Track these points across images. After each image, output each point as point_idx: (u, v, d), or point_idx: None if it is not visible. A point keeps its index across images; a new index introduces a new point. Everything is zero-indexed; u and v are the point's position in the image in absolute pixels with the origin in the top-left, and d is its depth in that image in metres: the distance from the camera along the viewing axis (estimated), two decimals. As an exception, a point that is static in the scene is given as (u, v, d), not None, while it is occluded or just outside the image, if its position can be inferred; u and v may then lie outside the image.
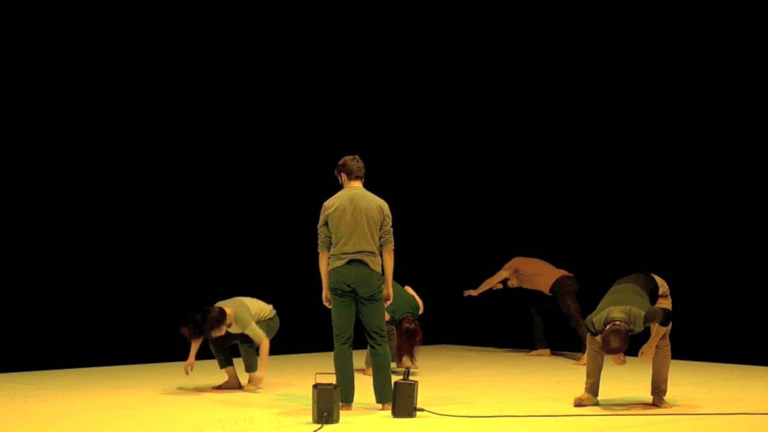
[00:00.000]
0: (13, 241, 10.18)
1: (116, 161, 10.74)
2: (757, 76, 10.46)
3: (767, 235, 10.43)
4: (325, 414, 6.82)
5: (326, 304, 7.57)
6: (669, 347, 7.70)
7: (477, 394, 8.34)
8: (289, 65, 11.84)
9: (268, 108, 11.72)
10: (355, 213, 7.39)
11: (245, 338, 8.69)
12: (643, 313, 7.33)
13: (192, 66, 11.18)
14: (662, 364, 7.67)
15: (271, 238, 11.62)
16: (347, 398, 7.41)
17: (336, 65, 12.16)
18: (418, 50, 12.69)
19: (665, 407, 7.60)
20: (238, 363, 8.76)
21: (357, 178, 7.56)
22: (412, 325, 9.52)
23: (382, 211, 7.47)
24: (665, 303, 7.79)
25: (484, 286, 11.31)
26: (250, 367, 8.68)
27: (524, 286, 11.25)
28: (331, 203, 7.49)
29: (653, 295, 7.73)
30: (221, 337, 8.63)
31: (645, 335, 7.62)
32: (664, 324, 7.47)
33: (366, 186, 7.59)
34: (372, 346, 7.52)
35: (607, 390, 8.01)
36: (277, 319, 8.98)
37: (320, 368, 8.25)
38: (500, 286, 11.40)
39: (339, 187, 7.62)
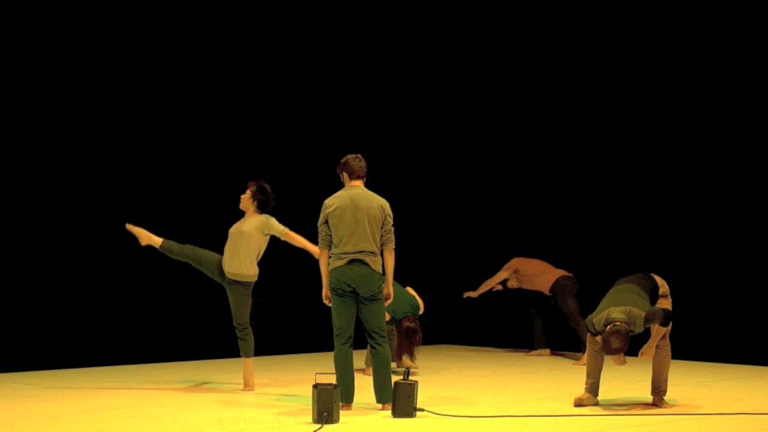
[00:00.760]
0: (13, 241, 10.18)
1: (116, 161, 10.74)
2: (757, 76, 10.46)
3: (767, 235, 10.43)
4: (325, 414, 6.82)
5: (326, 302, 7.57)
6: (669, 347, 7.70)
7: (477, 394, 8.34)
8: (289, 65, 11.85)
9: (269, 107, 11.73)
10: (356, 213, 7.39)
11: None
12: (644, 314, 7.33)
13: (192, 66, 11.19)
14: (662, 364, 7.67)
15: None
16: (347, 398, 7.41)
17: (337, 65, 12.17)
18: (419, 50, 12.70)
19: (665, 407, 7.60)
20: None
21: (358, 177, 7.55)
22: (413, 325, 9.52)
23: (383, 210, 7.47)
24: (665, 303, 7.79)
25: (484, 287, 11.31)
26: (246, 353, 8.61)
27: (524, 286, 11.26)
28: (332, 202, 7.48)
29: (653, 295, 7.73)
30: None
31: (645, 335, 7.62)
32: (664, 324, 7.47)
33: (368, 186, 7.58)
34: (372, 346, 7.51)
35: (607, 390, 8.02)
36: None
37: (320, 368, 8.25)
38: (500, 287, 11.41)
39: (339, 185, 7.62)
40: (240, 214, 8.79)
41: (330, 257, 7.48)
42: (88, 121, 10.59)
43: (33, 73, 10.27)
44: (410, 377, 7.23)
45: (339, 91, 12.19)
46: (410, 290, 9.84)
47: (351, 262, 7.38)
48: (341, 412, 7.03)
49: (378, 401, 7.49)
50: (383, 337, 7.49)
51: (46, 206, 10.34)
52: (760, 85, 10.45)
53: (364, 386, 7.86)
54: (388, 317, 9.15)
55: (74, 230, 10.48)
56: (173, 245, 8.76)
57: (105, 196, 10.67)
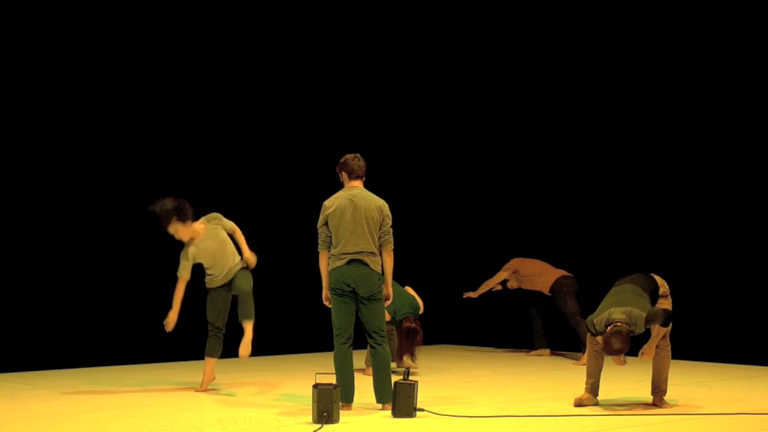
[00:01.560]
0: (13, 241, 10.18)
1: (116, 161, 10.74)
2: (757, 76, 10.46)
3: (767, 235, 10.43)
4: (325, 414, 6.82)
5: (326, 303, 7.58)
6: (669, 347, 7.70)
7: (477, 394, 8.34)
8: (289, 65, 11.84)
9: (268, 107, 11.72)
10: (355, 213, 7.39)
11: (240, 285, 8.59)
12: (644, 314, 7.33)
13: (192, 66, 11.19)
14: (662, 364, 7.67)
15: (271, 237, 11.62)
16: (347, 398, 7.41)
17: (336, 65, 12.17)
18: (419, 50, 12.69)
19: (665, 407, 7.60)
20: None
21: (357, 177, 7.55)
22: (413, 325, 9.53)
23: (382, 211, 7.47)
24: (665, 303, 7.79)
25: (484, 288, 11.31)
26: (246, 315, 8.59)
27: (524, 287, 11.25)
28: (331, 203, 7.48)
29: (654, 295, 7.72)
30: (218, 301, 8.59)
31: (645, 335, 7.62)
32: (664, 325, 7.47)
33: (367, 186, 7.58)
34: (372, 346, 7.51)
35: (607, 390, 8.02)
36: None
37: (320, 368, 8.25)
38: (500, 287, 11.41)
39: (339, 186, 7.62)
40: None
41: (330, 258, 7.49)
42: (87, 121, 10.59)
43: (33, 73, 10.27)
44: (410, 377, 7.23)
45: (339, 91, 12.19)
46: (410, 290, 9.84)
47: (350, 262, 7.38)
48: (341, 412, 7.03)
49: (378, 401, 7.49)
50: (383, 337, 7.49)
51: (46, 206, 10.33)
52: (760, 85, 10.44)
53: (364, 386, 7.85)
54: (388, 317, 9.15)
55: (74, 230, 10.48)
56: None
57: (105, 197, 10.66)
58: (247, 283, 8.59)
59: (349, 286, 7.39)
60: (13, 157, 10.21)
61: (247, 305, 8.61)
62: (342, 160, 7.59)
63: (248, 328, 8.59)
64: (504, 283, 11.37)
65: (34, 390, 8.68)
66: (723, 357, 10.37)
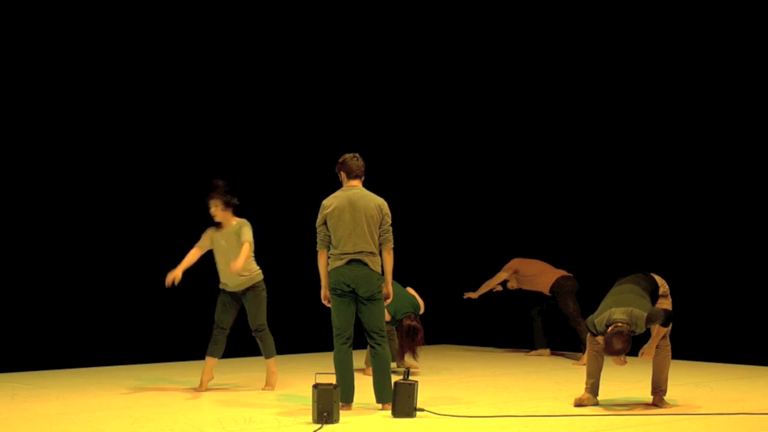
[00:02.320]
0: (13, 241, 10.18)
1: (116, 161, 10.74)
2: (757, 76, 10.46)
3: (767, 235, 10.43)
4: (325, 414, 6.82)
5: (325, 302, 7.57)
6: (669, 347, 7.70)
7: (477, 394, 8.34)
8: (289, 65, 11.84)
9: (268, 107, 11.72)
10: (354, 213, 7.38)
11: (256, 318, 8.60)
12: (645, 315, 7.33)
13: (192, 66, 11.19)
14: (662, 364, 7.67)
15: (271, 237, 11.62)
16: (347, 398, 7.41)
17: (336, 65, 12.17)
18: (419, 50, 12.70)
19: (665, 407, 7.60)
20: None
21: (356, 177, 7.54)
22: (414, 323, 9.52)
23: (381, 210, 7.46)
24: (665, 303, 7.79)
25: (484, 288, 11.30)
26: (266, 353, 8.66)
27: (524, 287, 11.25)
28: (330, 203, 7.48)
29: (654, 295, 7.72)
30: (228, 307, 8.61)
31: (645, 335, 7.62)
32: (665, 325, 7.47)
33: (367, 186, 7.58)
34: (372, 346, 7.51)
35: (607, 390, 8.01)
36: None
37: (320, 368, 8.25)
38: (500, 288, 11.41)
39: (338, 185, 7.61)
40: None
41: (329, 257, 7.49)
42: (87, 121, 10.59)
43: (33, 73, 10.26)
44: (410, 377, 7.23)
45: (338, 92, 12.19)
46: (410, 290, 9.84)
47: (350, 262, 7.38)
48: (341, 412, 7.03)
49: (378, 401, 7.49)
50: (383, 337, 7.49)
51: (45, 206, 10.33)
52: (760, 85, 10.44)
53: (364, 386, 7.85)
54: (388, 317, 9.15)
55: (74, 230, 10.48)
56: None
57: (105, 197, 10.66)
58: (257, 319, 8.62)
59: (348, 286, 7.38)
60: (13, 157, 10.20)
61: (264, 343, 8.68)
62: (341, 160, 7.59)
63: (270, 365, 8.67)
64: (504, 283, 11.37)
65: (34, 390, 8.68)
66: (723, 357, 10.37)
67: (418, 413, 7.18)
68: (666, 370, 7.68)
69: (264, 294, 8.69)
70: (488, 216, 12.59)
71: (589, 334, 7.66)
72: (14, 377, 9.52)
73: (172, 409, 7.63)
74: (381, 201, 7.49)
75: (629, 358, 7.53)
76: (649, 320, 7.34)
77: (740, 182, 10.61)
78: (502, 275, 11.27)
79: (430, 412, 7.28)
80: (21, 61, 10.19)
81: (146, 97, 10.91)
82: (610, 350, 7.30)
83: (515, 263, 11.26)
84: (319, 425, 6.79)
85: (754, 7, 10.43)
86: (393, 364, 8.90)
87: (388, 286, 7.53)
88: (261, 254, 11.53)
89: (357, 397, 7.55)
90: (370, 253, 7.40)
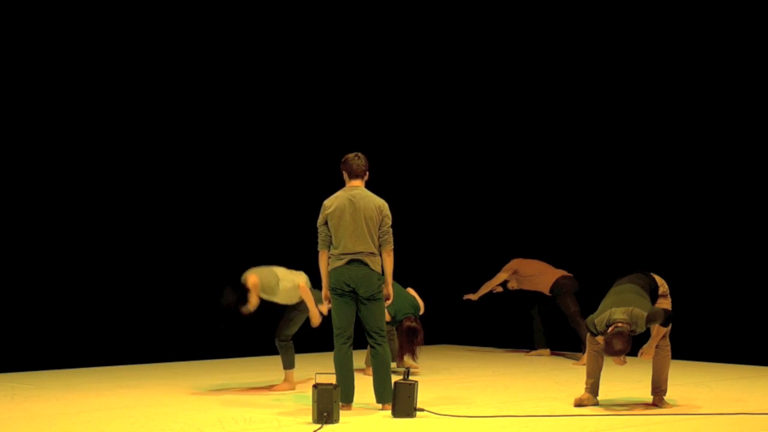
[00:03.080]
0: (13, 241, 10.17)
1: (116, 161, 10.74)
2: (757, 76, 10.46)
3: (767, 235, 10.43)
4: (325, 414, 6.82)
5: (326, 302, 7.58)
6: (669, 347, 7.70)
7: (477, 394, 8.34)
8: (290, 65, 11.84)
9: (269, 107, 11.72)
10: (355, 214, 7.38)
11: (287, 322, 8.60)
12: (645, 314, 7.33)
13: (192, 65, 11.18)
14: (662, 364, 7.67)
15: (271, 237, 11.63)
16: (347, 398, 7.41)
17: (337, 65, 12.16)
18: (419, 50, 12.69)
19: (665, 407, 7.60)
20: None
21: (357, 176, 7.54)
22: (414, 324, 9.52)
23: (381, 211, 7.46)
24: (665, 303, 7.79)
25: (484, 289, 11.29)
26: (288, 364, 8.63)
27: (524, 287, 11.24)
28: (330, 203, 7.48)
29: (653, 294, 7.73)
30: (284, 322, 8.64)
31: (645, 335, 7.62)
32: (665, 325, 7.47)
33: (368, 187, 7.58)
34: (372, 346, 7.51)
35: (607, 390, 8.02)
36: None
37: (320, 368, 8.25)
38: (500, 289, 11.40)
39: (339, 185, 7.61)
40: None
41: (330, 258, 7.49)
42: (87, 121, 10.58)
43: (33, 73, 10.26)
44: (410, 377, 7.23)
45: (339, 92, 12.18)
46: (411, 291, 9.84)
47: (350, 262, 7.38)
48: (341, 412, 7.03)
49: (378, 401, 7.49)
50: (383, 337, 7.49)
51: (45, 206, 10.33)
52: (760, 85, 10.44)
53: (364, 386, 7.85)
54: (388, 318, 9.15)
55: (74, 230, 10.48)
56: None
57: (105, 196, 10.66)
58: (286, 330, 8.71)
59: (349, 286, 7.39)
60: (13, 157, 10.20)
61: (284, 354, 8.68)
62: (343, 159, 7.59)
63: (289, 375, 8.65)
64: (504, 284, 11.36)
65: (34, 390, 8.68)
66: (723, 357, 10.37)
67: (418, 413, 7.18)
68: (666, 370, 7.68)
69: (302, 316, 8.64)
70: (488, 216, 12.58)
71: (588, 334, 7.66)
72: (14, 377, 9.52)
73: (172, 409, 7.63)
74: (381, 202, 7.49)
75: (629, 358, 7.53)
76: (649, 320, 7.34)
77: (740, 182, 10.61)
78: (501, 276, 11.26)
79: (430, 412, 7.28)
80: (21, 61, 10.19)
81: (147, 97, 10.90)
82: (610, 350, 7.30)
83: (515, 264, 11.25)
84: (319, 425, 6.79)
85: (754, 7, 10.43)
86: (393, 364, 8.90)
87: (389, 287, 7.53)
88: (261, 254, 11.57)
89: (357, 397, 7.55)
90: (371, 253, 7.40)
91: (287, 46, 11.82)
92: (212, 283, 11.24)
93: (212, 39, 11.30)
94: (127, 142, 10.81)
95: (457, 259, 12.76)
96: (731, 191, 10.64)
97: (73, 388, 8.78)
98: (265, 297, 8.53)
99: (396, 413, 7.15)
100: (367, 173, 7.59)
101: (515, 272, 11.23)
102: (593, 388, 7.68)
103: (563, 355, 11.16)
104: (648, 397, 7.81)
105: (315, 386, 6.89)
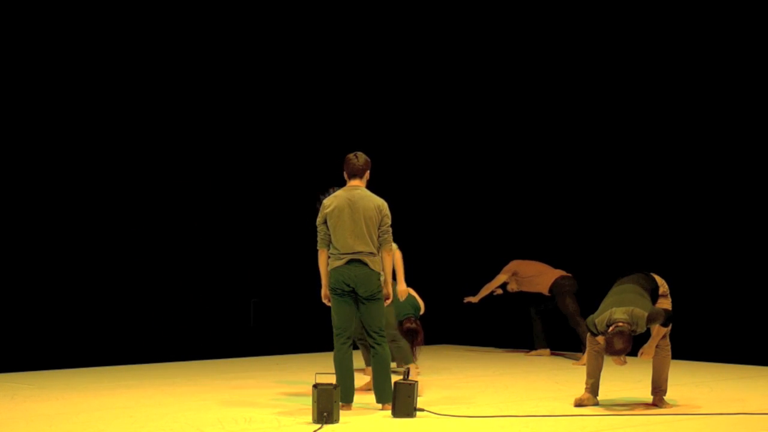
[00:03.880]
0: (13, 241, 10.17)
1: (116, 161, 10.74)
2: (757, 76, 10.46)
3: (767, 235, 10.43)
4: (325, 414, 6.82)
5: (325, 301, 7.58)
6: (669, 347, 7.70)
7: (477, 394, 8.34)
8: (290, 65, 11.84)
9: (269, 107, 11.72)
10: (354, 214, 7.38)
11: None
12: (646, 314, 7.33)
13: (192, 65, 11.18)
14: (662, 364, 7.67)
15: (271, 237, 11.63)
16: (347, 398, 7.41)
17: (338, 65, 12.16)
18: (420, 51, 12.69)
19: (665, 407, 7.60)
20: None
21: (355, 176, 7.54)
22: (414, 325, 9.49)
23: (380, 210, 7.45)
24: (665, 303, 7.79)
25: (484, 291, 11.29)
26: (405, 360, 8.48)
27: (523, 289, 11.24)
28: (330, 202, 7.48)
29: (654, 294, 7.72)
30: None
31: (645, 335, 7.62)
32: (665, 325, 7.47)
33: (370, 187, 7.57)
34: (372, 346, 7.51)
35: (607, 390, 8.01)
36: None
37: (320, 368, 8.24)
38: (500, 291, 11.40)
39: (339, 184, 7.61)
40: None
41: (329, 257, 7.49)
42: (87, 121, 10.58)
43: (33, 73, 10.26)
44: (410, 377, 7.23)
45: (340, 92, 12.18)
46: (411, 291, 9.82)
47: (350, 262, 7.38)
48: (341, 412, 7.03)
49: (378, 401, 7.49)
50: (383, 337, 7.49)
51: (45, 206, 10.33)
52: (760, 85, 10.44)
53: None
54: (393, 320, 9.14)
55: (74, 230, 10.47)
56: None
57: (105, 197, 10.66)
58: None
59: (348, 285, 7.39)
60: (13, 157, 10.20)
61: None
62: (345, 159, 7.60)
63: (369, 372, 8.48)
64: (504, 286, 11.36)
65: (34, 390, 8.68)
66: (723, 357, 10.37)
67: (418, 413, 7.18)
68: (666, 370, 7.68)
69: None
70: (488, 216, 12.58)
71: (589, 334, 7.66)
72: (14, 377, 9.51)
73: (172, 409, 7.63)
74: (380, 201, 7.49)
75: (629, 358, 7.53)
76: (650, 320, 7.34)
77: (740, 182, 10.61)
78: (501, 278, 11.26)
79: (430, 412, 7.28)
80: (21, 61, 10.18)
81: (147, 98, 10.90)
82: (611, 350, 7.30)
83: (514, 265, 11.25)
84: (319, 425, 6.79)
85: (754, 7, 10.42)
86: (393, 364, 8.89)
87: (388, 287, 7.53)
88: (261, 254, 11.59)
89: (357, 397, 7.55)
90: (370, 253, 7.40)
91: (287, 46, 11.82)
92: (212, 283, 11.30)
93: (212, 39, 11.29)
94: (127, 142, 10.80)
95: (457, 259, 12.75)
96: (731, 191, 10.64)
97: (73, 388, 8.78)
98: None
99: (396, 413, 7.15)
100: (368, 173, 7.59)
101: (515, 273, 11.23)
102: (593, 388, 7.68)
103: (563, 355, 11.16)
104: (648, 397, 7.81)
105: (315, 386, 6.89)
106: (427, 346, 10.18)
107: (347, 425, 6.87)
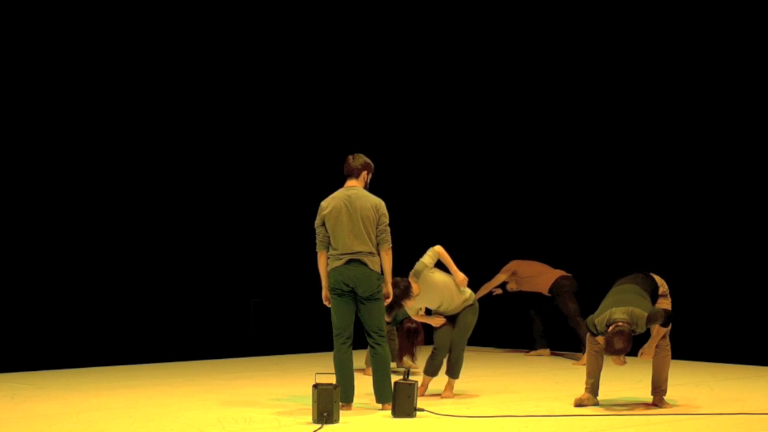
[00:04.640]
0: (13, 241, 10.17)
1: (116, 161, 10.74)
2: (757, 76, 10.46)
3: (767, 235, 10.43)
4: (325, 414, 6.82)
5: (326, 303, 7.58)
6: (669, 347, 7.70)
7: (477, 394, 8.34)
8: (291, 65, 11.83)
9: (269, 107, 11.72)
10: (351, 214, 7.38)
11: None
12: (646, 314, 7.33)
13: (192, 65, 11.18)
14: (662, 364, 7.67)
15: (271, 237, 11.63)
16: (347, 398, 7.41)
17: (339, 65, 12.16)
18: (420, 51, 12.68)
19: (665, 407, 7.60)
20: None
21: (351, 176, 7.55)
22: (414, 325, 9.52)
23: (377, 210, 7.45)
24: (665, 303, 7.79)
25: (483, 291, 11.28)
26: (453, 373, 8.31)
27: (523, 289, 11.24)
28: (327, 203, 7.49)
29: (653, 295, 7.73)
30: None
31: (645, 335, 7.62)
32: (665, 325, 7.47)
33: (371, 188, 7.58)
34: (372, 346, 7.51)
35: (607, 390, 8.01)
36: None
37: (320, 368, 8.25)
38: (499, 291, 11.40)
39: (338, 183, 7.62)
40: None
41: (329, 258, 7.49)
42: (87, 121, 10.58)
43: (33, 73, 10.25)
44: (410, 377, 7.23)
45: (340, 93, 12.17)
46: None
47: (349, 262, 7.38)
48: (341, 412, 7.03)
49: (378, 401, 7.49)
50: (383, 337, 7.49)
51: (45, 206, 10.32)
52: (760, 85, 10.44)
53: (364, 386, 7.85)
54: (389, 318, 9.14)
55: (74, 230, 10.47)
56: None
57: (105, 197, 10.66)
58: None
59: (348, 285, 7.39)
60: (13, 157, 10.20)
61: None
62: (345, 160, 7.62)
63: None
64: (503, 286, 11.36)
65: (34, 390, 8.68)
66: (723, 357, 10.37)
67: (418, 413, 7.18)
68: (666, 370, 7.68)
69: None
70: (488, 216, 12.57)
71: (588, 334, 7.66)
72: (14, 377, 9.51)
73: (172, 409, 7.63)
74: (377, 201, 7.49)
75: (629, 358, 7.54)
76: (650, 320, 7.34)
77: (740, 182, 10.61)
78: (500, 277, 11.26)
79: (430, 412, 7.28)
80: (21, 61, 10.18)
81: (148, 98, 10.90)
82: (611, 350, 7.30)
83: (513, 265, 11.25)
84: (319, 425, 6.79)
85: (754, 7, 10.42)
86: (393, 364, 8.90)
87: (388, 286, 7.53)
88: (261, 254, 11.59)
89: (357, 397, 7.55)
90: (369, 253, 7.41)
91: (288, 46, 11.81)
92: (212, 283, 11.29)
93: (212, 39, 11.29)
94: (127, 142, 10.80)
95: (456, 259, 12.71)
96: (731, 191, 10.64)
97: (73, 388, 8.78)
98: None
99: (396, 413, 7.16)
100: (365, 173, 7.58)
101: (514, 273, 11.23)
102: (593, 388, 7.68)
103: (563, 355, 11.16)
104: (648, 397, 7.81)
105: (315, 386, 6.89)
106: (427, 346, 10.16)
107: (347, 425, 6.87)
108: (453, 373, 8.25)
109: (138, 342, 10.69)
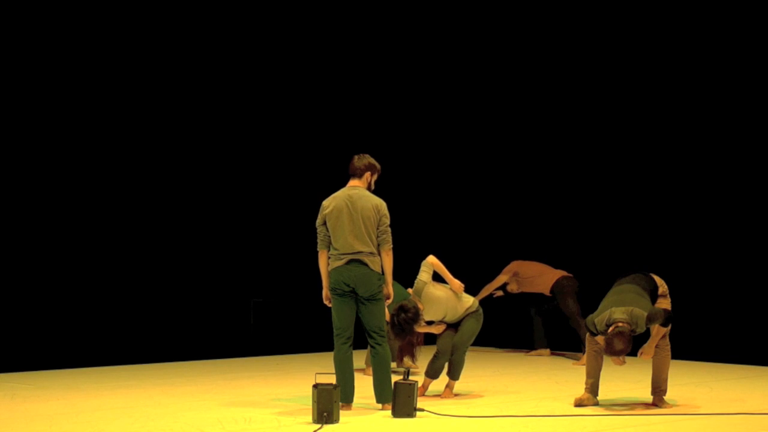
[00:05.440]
0: (13, 241, 10.18)
1: (116, 161, 10.75)
2: (757, 76, 10.46)
3: (767, 235, 10.43)
4: (325, 414, 6.82)
5: (326, 303, 7.58)
6: (669, 347, 7.70)
7: (477, 394, 8.34)
8: (292, 65, 11.84)
9: (269, 107, 11.73)
10: (352, 214, 7.39)
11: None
12: (646, 314, 7.33)
13: (192, 65, 11.19)
14: (662, 364, 7.67)
15: (272, 237, 11.63)
16: (347, 398, 7.41)
17: (340, 66, 12.16)
18: (421, 51, 12.69)
19: (665, 407, 7.60)
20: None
21: (354, 176, 7.56)
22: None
23: (378, 210, 7.45)
24: (665, 303, 7.79)
25: (484, 292, 11.29)
26: (454, 375, 8.30)
27: (524, 289, 11.23)
28: (328, 203, 7.49)
29: (653, 295, 7.73)
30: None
31: (645, 335, 7.62)
32: (664, 325, 7.47)
33: (375, 189, 7.59)
34: (372, 346, 7.51)
35: (607, 390, 8.02)
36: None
37: (320, 368, 8.24)
38: (500, 293, 11.40)
39: (339, 183, 7.62)
40: None
41: (329, 258, 7.49)
42: (87, 121, 10.59)
43: (33, 73, 10.26)
44: (410, 377, 7.24)
45: (342, 93, 12.18)
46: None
47: (350, 262, 7.38)
48: (341, 412, 7.03)
49: (378, 401, 7.49)
50: (383, 337, 7.49)
51: (45, 206, 10.34)
52: (760, 85, 10.44)
53: (364, 386, 7.85)
54: (389, 318, 9.14)
55: (74, 230, 10.49)
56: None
57: (105, 197, 10.67)
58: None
59: (348, 285, 7.39)
60: (13, 157, 10.20)
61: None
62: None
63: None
64: (504, 287, 11.36)
65: (34, 390, 8.68)
66: (723, 357, 10.37)
67: (418, 413, 7.18)
68: (666, 370, 7.68)
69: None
70: (488, 217, 12.58)
71: (588, 334, 7.66)
72: (14, 377, 9.52)
73: (172, 409, 7.63)
74: (378, 201, 7.49)
75: (629, 358, 7.54)
76: (650, 320, 7.34)
77: (740, 182, 10.61)
78: (501, 278, 11.26)
79: (430, 412, 7.28)
80: (21, 61, 10.19)
81: (148, 99, 10.91)
82: (611, 350, 7.30)
83: (514, 266, 11.25)
84: (319, 425, 6.79)
85: (754, 7, 10.43)
86: (393, 364, 8.90)
87: (389, 287, 7.53)
88: (260, 254, 11.60)
89: (357, 397, 7.55)
90: (370, 253, 7.41)
91: (290, 47, 11.82)
92: (212, 283, 11.30)
93: (213, 39, 11.30)
94: (127, 142, 10.82)
95: (457, 260, 12.69)
96: (731, 191, 10.64)
97: (73, 388, 8.78)
98: None
99: (396, 413, 7.16)
100: (368, 174, 7.57)
101: (515, 274, 11.22)
102: (593, 388, 7.68)
103: (563, 355, 11.16)
104: (648, 397, 7.81)
105: (315, 386, 6.89)
106: (427, 346, 10.17)
107: (347, 425, 6.87)
108: (453, 374, 8.26)
109: (138, 342, 10.70)
